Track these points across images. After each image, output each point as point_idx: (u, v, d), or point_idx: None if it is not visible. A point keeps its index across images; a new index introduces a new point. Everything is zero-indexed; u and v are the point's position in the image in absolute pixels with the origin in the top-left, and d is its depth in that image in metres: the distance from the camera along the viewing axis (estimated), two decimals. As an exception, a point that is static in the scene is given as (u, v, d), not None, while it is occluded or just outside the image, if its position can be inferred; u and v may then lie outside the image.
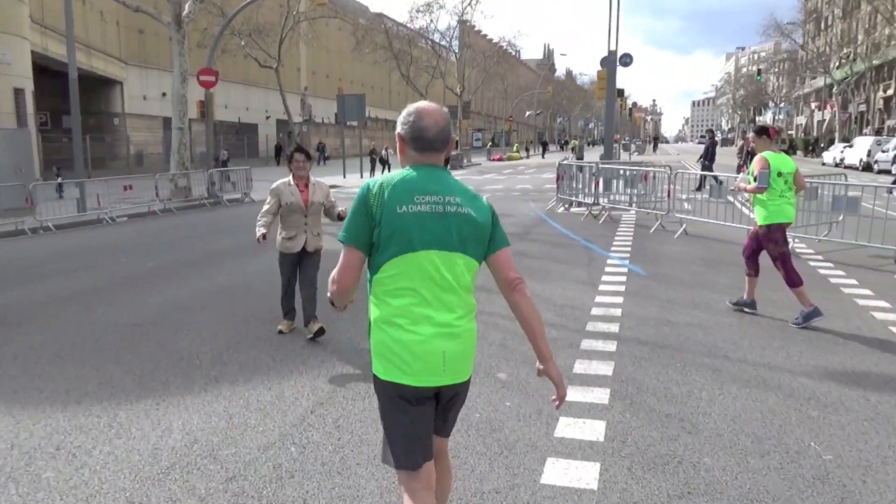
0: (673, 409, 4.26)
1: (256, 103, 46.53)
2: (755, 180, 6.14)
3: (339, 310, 2.40)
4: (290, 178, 5.79)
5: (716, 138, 21.83)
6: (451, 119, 2.38)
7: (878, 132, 47.60)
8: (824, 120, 69.51)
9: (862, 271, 8.47)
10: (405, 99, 66.36)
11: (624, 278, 8.09)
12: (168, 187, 18.35)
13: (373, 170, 30.10)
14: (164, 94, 36.00)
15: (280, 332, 6.00)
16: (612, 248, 10.28)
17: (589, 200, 14.86)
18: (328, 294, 2.31)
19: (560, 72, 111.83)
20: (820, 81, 69.46)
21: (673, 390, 4.56)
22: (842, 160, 38.98)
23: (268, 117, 47.54)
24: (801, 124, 79.66)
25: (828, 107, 60.99)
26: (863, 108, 59.98)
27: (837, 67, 57.45)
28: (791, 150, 59.49)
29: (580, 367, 5.00)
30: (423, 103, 2.31)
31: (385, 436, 2.31)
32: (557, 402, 2.37)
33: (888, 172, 29.76)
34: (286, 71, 29.49)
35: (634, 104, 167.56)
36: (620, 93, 19.27)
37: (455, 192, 2.23)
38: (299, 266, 5.90)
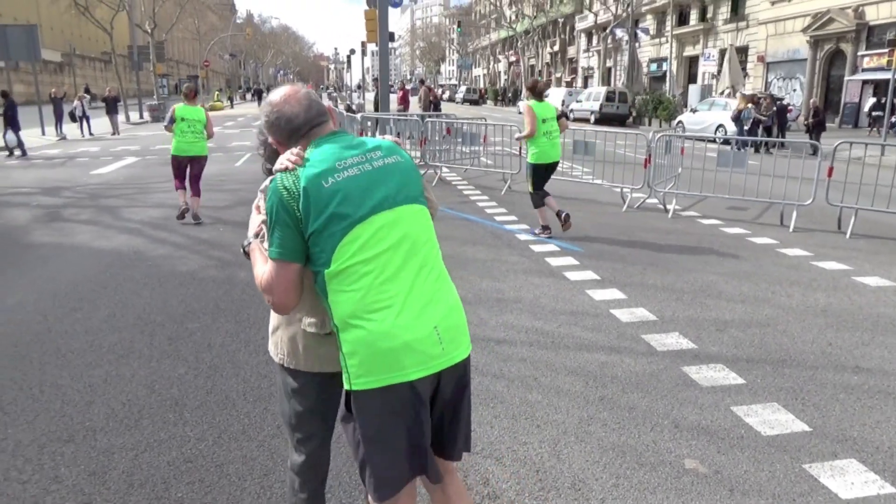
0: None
1: None
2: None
3: None
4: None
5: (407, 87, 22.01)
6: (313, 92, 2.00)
7: (569, 84, 53.65)
8: (501, 72, 76.62)
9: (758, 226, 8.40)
10: (68, 36, 54.51)
11: (573, 260, 6.68)
12: None
13: (59, 123, 23.53)
14: None
15: None
16: (497, 218, 8.78)
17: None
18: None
19: (241, 13, 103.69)
20: (494, 36, 76.08)
21: (916, 442, 3.33)
22: (538, 109, 42.87)
23: None
24: (479, 76, 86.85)
25: (512, 56, 67.01)
26: (533, 61, 67.38)
27: (512, 23, 62.92)
28: (481, 99, 64.35)
29: (765, 414, 3.47)
30: (273, 95, 2.00)
31: (369, 466, 1.87)
32: None
33: (586, 121, 33.40)
34: None
35: (319, 53, 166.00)
36: (392, 36, 17.45)
37: (372, 146, 1.94)
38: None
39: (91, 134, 24.14)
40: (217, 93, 53.40)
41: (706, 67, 35.27)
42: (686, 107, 32.02)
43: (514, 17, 64.10)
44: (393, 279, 1.80)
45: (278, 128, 1.95)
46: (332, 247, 1.79)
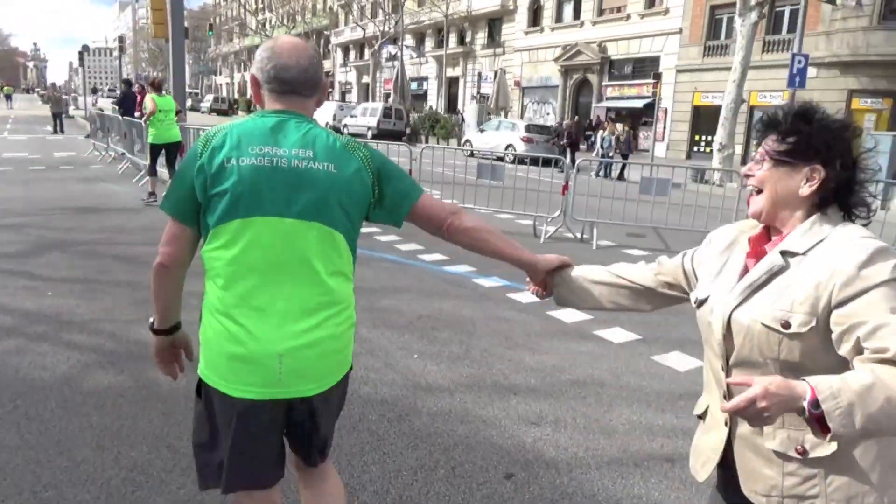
0: None
1: None
2: None
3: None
4: None
5: (134, 88, 18.70)
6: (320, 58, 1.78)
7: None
8: (248, 82, 72.39)
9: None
10: None
11: (576, 313, 5.54)
12: None
13: None
14: None
15: None
16: (422, 257, 7.24)
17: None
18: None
19: None
20: (242, 42, 71.72)
21: None
22: (305, 123, 40.75)
23: None
24: (223, 84, 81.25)
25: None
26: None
27: (264, 32, 59.80)
28: (231, 109, 59.77)
29: None
30: (282, 37, 1.80)
31: (199, 455, 1.81)
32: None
33: (362, 136, 32.52)
34: None
35: (13, 48, 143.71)
36: (187, 32, 14.40)
37: (310, 144, 1.70)
38: None
39: None
40: None
41: (484, 88, 37.07)
42: (462, 126, 33.01)
43: (262, 26, 60.85)
44: (260, 292, 1.65)
45: (265, 71, 1.72)
46: (207, 231, 1.68)
